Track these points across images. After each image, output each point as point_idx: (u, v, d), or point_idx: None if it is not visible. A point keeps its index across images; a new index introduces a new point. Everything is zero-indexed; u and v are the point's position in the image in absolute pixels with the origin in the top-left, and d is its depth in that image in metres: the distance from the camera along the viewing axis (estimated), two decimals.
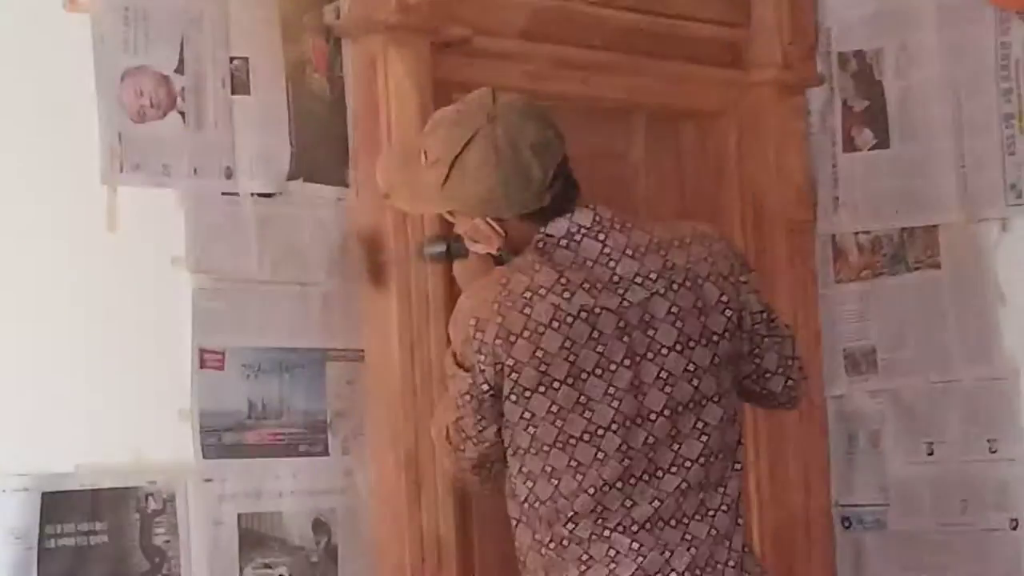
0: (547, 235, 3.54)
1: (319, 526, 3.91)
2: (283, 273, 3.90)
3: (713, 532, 3.59)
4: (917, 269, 4.79)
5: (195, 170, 3.77)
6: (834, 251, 4.89)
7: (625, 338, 3.51)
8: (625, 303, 3.53)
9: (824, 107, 4.90)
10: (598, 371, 3.51)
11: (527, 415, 3.52)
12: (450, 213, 3.65)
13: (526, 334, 3.49)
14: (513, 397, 3.52)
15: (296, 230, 3.93)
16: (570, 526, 3.55)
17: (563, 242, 3.54)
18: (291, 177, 3.93)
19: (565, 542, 3.55)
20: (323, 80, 4.01)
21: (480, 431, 3.57)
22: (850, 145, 4.87)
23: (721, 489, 3.63)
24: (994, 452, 4.67)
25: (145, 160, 3.70)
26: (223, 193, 3.82)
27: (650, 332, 3.53)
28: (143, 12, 3.71)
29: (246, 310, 3.84)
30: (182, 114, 3.76)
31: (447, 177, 3.52)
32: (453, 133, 3.53)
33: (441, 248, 3.85)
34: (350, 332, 3.99)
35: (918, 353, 4.78)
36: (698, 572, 3.57)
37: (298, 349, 3.91)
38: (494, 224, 3.57)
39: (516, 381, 3.50)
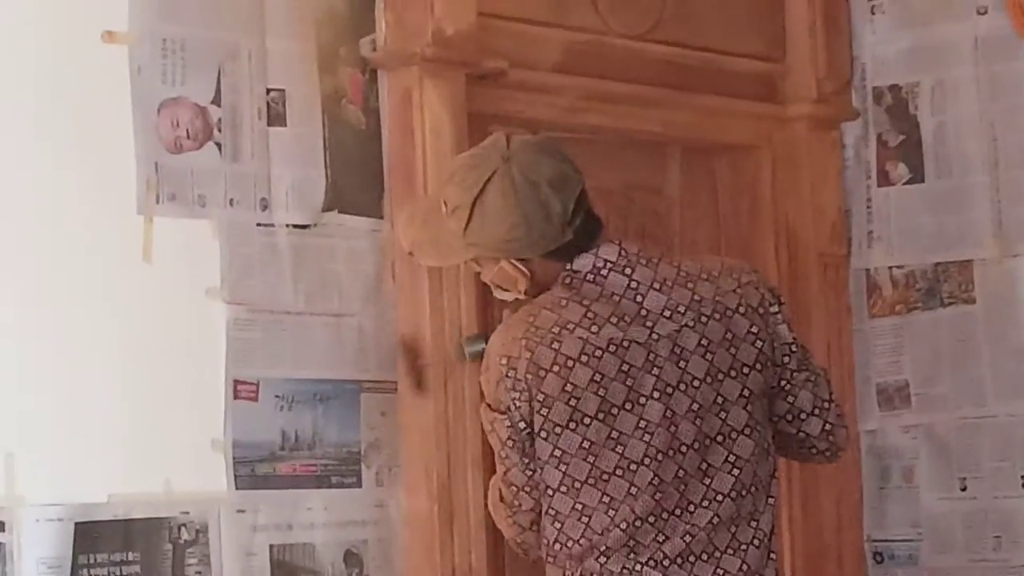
0: (573, 271, 3.52)
1: (351, 558, 3.88)
2: (318, 304, 3.88)
3: (745, 567, 3.55)
4: (951, 304, 4.76)
5: (231, 201, 3.76)
6: (868, 285, 4.87)
7: (655, 371, 3.48)
8: (654, 336, 3.50)
9: (859, 141, 4.87)
10: (628, 405, 3.47)
11: (558, 452, 3.48)
12: (476, 262, 3.61)
13: (556, 368, 3.46)
14: (544, 434, 3.48)
15: (331, 261, 3.91)
16: (602, 559, 3.51)
17: (589, 276, 3.51)
18: (326, 208, 3.91)
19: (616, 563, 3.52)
20: (359, 112, 3.99)
21: (530, 476, 3.53)
22: (885, 179, 4.85)
23: (754, 524, 3.59)
24: None
25: (181, 191, 3.69)
26: (258, 224, 3.81)
27: (681, 364, 3.49)
28: (180, 43, 3.70)
29: (280, 341, 3.82)
30: (218, 145, 3.75)
31: (468, 221, 3.48)
32: (470, 177, 3.50)
33: (481, 346, 3.80)
34: (384, 364, 3.96)
35: (952, 388, 4.75)
36: None
37: (332, 380, 3.90)
38: (519, 265, 3.54)
39: (546, 416, 3.47)
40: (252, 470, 3.76)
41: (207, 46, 3.74)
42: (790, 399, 3.62)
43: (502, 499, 3.60)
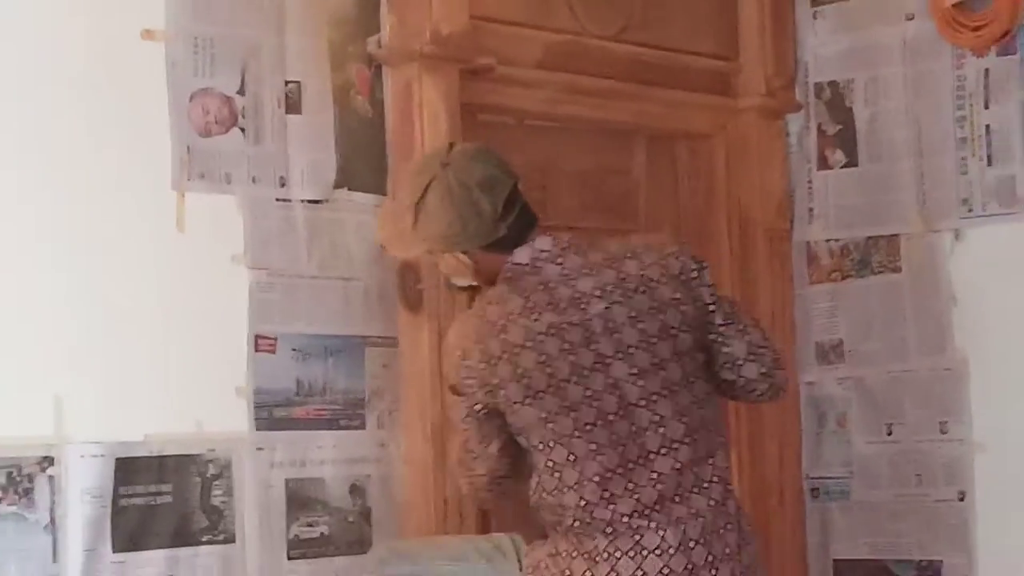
0: (514, 264, 3.56)
1: (356, 490, 3.90)
2: (329, 270, 3.89)
3: (712, 502, 3.56)
4: (880, 273, 4.76)
5: (253, 179, 3.78)
6: (808, 256, 4.87)
7: (593, 346, 3.52)
8: (588, 315, 3.53)
9: (801, 130, 4.88)
10: (574, 378, 3.51)
11: (521, 424, 3.53)
12: (430, 253, 3.68)
13: (505, 355, 3.50)
14: (508, 411, 3.54)
15: (340, 232, 3.92)
16: (585, 512, 3.54)
17: (527, 267, 3.55)
18: (337, 186, 3.93)
19: (579, 524, 3.54)
20: (365, 102, 4.00)
21: (484, 447, 3.59)
22: (824, 164, 4.85)
23: (711, 463, 3.60)
24: (945, 433, 4.65)
25: (210, 170, 3.71)
26: (277, 200, 3.82)
27: (615, 336, 3.53)
28: (210, 41, 3.71)
29: (296, 302, 3.83)
30: (243, 130, 3.76)
31: (415, 220, 3.56)
32: (415, 181, 3.58)
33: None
34: (386, 322, 3.97)
35: (880, 346, 4.76)
36: (708, 538, 3.55)
37: (341, 336, 3.91)
38: (463, 257, 3.59)
39: (506, 397, 3.52)
40: (270, 414, 3.78)
41: (233, 43, 3.76)
42: (725, 349, 3.63)
43: (461, 462, 3.65)
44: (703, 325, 3.60)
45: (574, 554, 3.52)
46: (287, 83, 3.85)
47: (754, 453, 4.71)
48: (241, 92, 3.76)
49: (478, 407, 3.55)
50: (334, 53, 3.94)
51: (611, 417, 3.50)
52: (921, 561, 4.68)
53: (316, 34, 3.90)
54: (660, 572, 3.49)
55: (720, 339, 3.63)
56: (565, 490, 3.53)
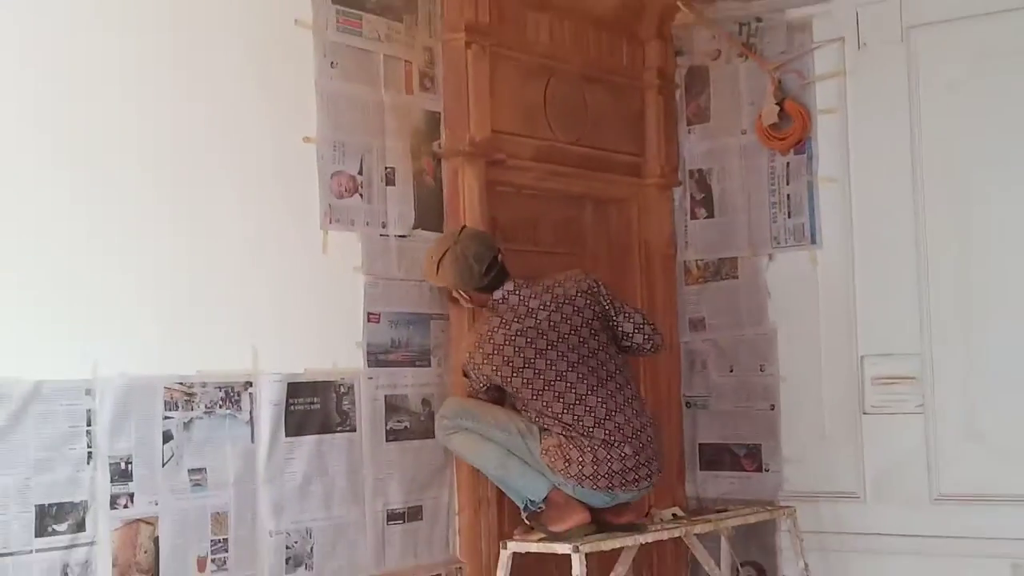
0: (493, 299, 3.69)
1: (425, 402, 3.85)
2: (410, 275, 3.82)
3: (639, 412, 3.71)
4: (727, 279, 4.69)
5: (367, 223, 3.72)
6: (685, 269, 4.79)
7: (543, 337, 3.65)
8: (538, 320, 3.67)
9: (681, 197, 4.81)
10: (538, 356, 3.64)
11: (515, 388, 3.65)
12: (448, 288, 3.77)
13: (495, 353, 3.63)
14: (505, 384, 3.66)
15: (417, 254, 3.85)
16: (570, 422, 3.61)
17: (502, 301, 3.69)
18: (414, 227, 3.86)
19: (569, 428, 3.62)
20: (431, 179, 3.93)
21: (481, 394, 3.74)
22: (694, 216, 4.78)
23: (631, 386, 3.74)
24: (763, 371, 4.59)
25: (342, 218, 3.65)
26: (380, 235, 3.76)
27: (556, 329, 3.67)
28: (343, 144, 3.66)
29: (391, 293, 3.77)
30: (361, 195, 3.71)
31: (437, 271, 3.68)
32: (439, 248, 3.72)
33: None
34: (443, 306, 3.90)
35: (726, 320, 4.69)
36: (646, 428, 3.70)
37: (417, 313, 3.84)
38: (463, 293, 3.72)
39: (502, 376, 3.64)
40: (376, 358, 3.72)
41: (356, 144, 3.70)
42: (619, 329, 3.78)
43: (470, 394, 3.77)
44: (605, 316, 3.71)
45: (570, 445, 3.57)
46: (387, 168, 3.79)
47: (654, 383, 4.65)
48: (360, 173, 3.71)
49: (481, 386, 3.70)
50: (413, 151, 3.88)
51: (566, 372, 3.64)
52: (749, 443, 4.62)
53: (403, 139, 3.85)
54: (621, 453, 3.58)
55: (615, 323, 3.79)
56: (555, 413, 3.60)
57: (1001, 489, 4.14)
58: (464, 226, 3.77)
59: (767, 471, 4.55)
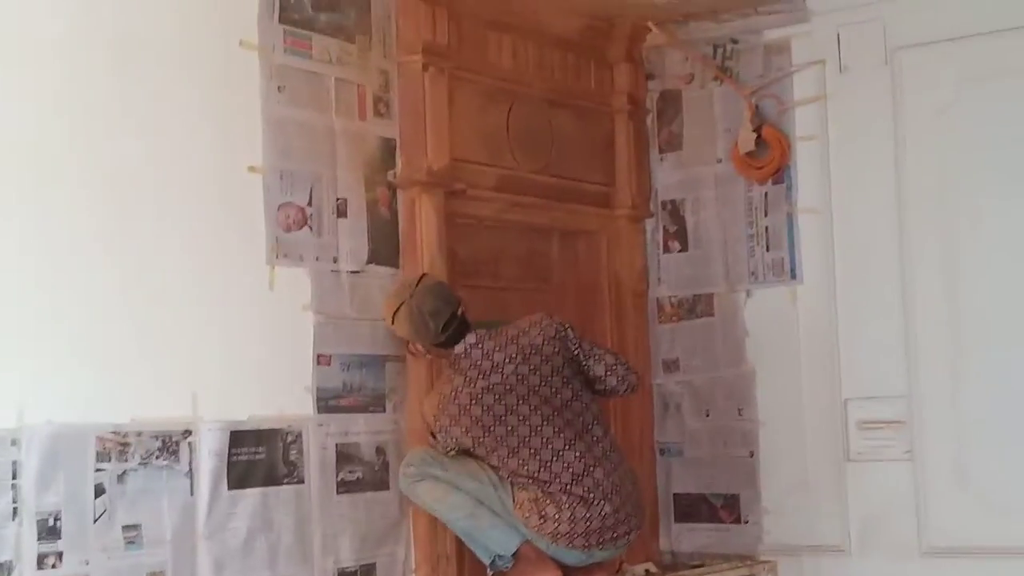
0: (454, 354, 3.66)
1: (379, 450, 3.82)
2: (363, 314, 3.80)
3: (617, 459, 3.72)
4: (702, 317, 4.70)
5: (316, 258, 3.70)
6: (658, 306, 4.79)
7: (513, 392, 3.64)
8: (505, 375, 3.65)
9: (654, 229, 4.81)
10: (510, 412, 3.62)
11: (488, 448, 3.63)
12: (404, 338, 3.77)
13: (462, 414, 3.61)
14: (476, 445, 3.64)
15: (371, 291, 3.83)
16: (545, 479, 3.59)
17: (463, 355, 3.67)
18: (368, 262, 3.84)
19: (545, 485, 3.60)
20: (386, 211, 3.92)
21: (447, 452, 3.70)
22: (667, 249, 4.79)
23: (609, 436, 3.76)
24: (741, 415, 4.60)
25: (290, 252, 3.63)
26: (331, 270, 3.74)
27: (525, 382, 3.66)
28: (291, 174, 3.65)
29: (343, 333, 3.75)
30: (311, 228, 3.69)
31: (392, 323, 3.68)
32: (395, 300, 3.70)
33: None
34: (399, 347, 3.87)
35: (702, 361, 4.69)
36: (625, 482, 3.71)
37: (370, 355, 3.81)
38: (419, 346, 3.74)
39: (473, 436, 3.62)
40: (327, 403, 3.70)
41: (304, 174, 3.69)
42: (591, 373, 3.79)
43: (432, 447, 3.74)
44: (576, 361, 3.71)
45: (547, 500, 3.56)
46: (338, 199, 3.78)
47: (626, 429, 4.63)
48: (309, 204, 3.69)
49: (447, 447, 3.66)
50: (367, 180, 3.86)
51: (540, 427, 3.63)
52: (726, 493, 4.62)
53: (356, 168, 3.83)
54: (601, 511, 3.59)
55: (587, 367, 3.79)
56: (532, 471, 3.61)
57: (993, 541, 4.15)
58: (423, 275, 3.75)
59: (746, 523, 4.55)
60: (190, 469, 3.32)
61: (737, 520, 4.57)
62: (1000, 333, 4.18)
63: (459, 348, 3.67)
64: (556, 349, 3.71)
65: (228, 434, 3.41)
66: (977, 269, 4.22)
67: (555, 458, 3.59)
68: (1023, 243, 4.14)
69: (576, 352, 3.75)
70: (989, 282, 4.20)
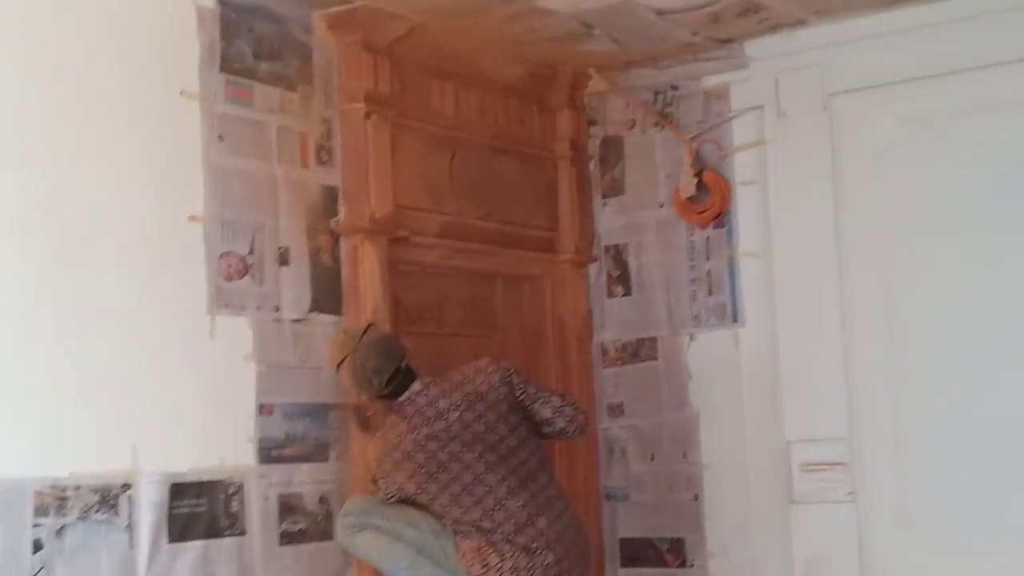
0: (399, 402, 3.63)
1: (323, 500, 3.81)
2: (306, 362, 3.80)
3: (561, 507, 3.69)
4: (646, 360, 4.71)
5: (258, 307, 3.70)
6: (602, 351, 4.81)
7: (457, 439, 3.60)
8: (450, 422, 3.61)
9: (597, 274, 4.84)
10: (453, 460, 3.59)
11: (431, 495, 3.59)
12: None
13: (405, 460, 3.58)
14: (419, 492, 3.60)
15: (313, 339, 3.83)
16: (487, 527, 3.57)
17: (408, 403, 3.64)
18: (311, 310, 3.84)
19: (488, 534, 3.58)
20: (329, 259, 3.92)
21: (388, 499, 3.65)
22: (611, 294, 4.80)
23: (553, 484, 3.73)
24: (685, 458, 4.60)
25: (231, 301, 3.63)
26: (273, 319, 3.74)
27: (471, 430, 3.62)
28: (232, 222, 3.65)
29: (285, 382, 3.74)
30: (252, 276, 3.69)
31: (337, 374, 3.67)
32: (338, 352, 3.67)
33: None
34: (342, 395, 3.86)
35: (646, 405, 4.70)
36: (568, 531, 3.67)
37: (313, 404, 3.81)
38: (363, 397, 3.73)
39: (416, 483, 3.59)
40: (269, 453, 3.68)
41: (246, 222, 3.69)
42: (537, 417, 3.77)
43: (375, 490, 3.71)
44: (522, 407, 3.70)
45: (490, 549, 3.54)
46: (280, 247, 3.78)
47: (570, 473, 4.63)
48: (251, 253, 3.69)
49: (390, 496, 3.63)
50: (309, 228, 3.87)
51: (484, 475, 3.60)
52: (672, 537, 4.62)
53: (298, 217, 3.84)
54: (544, 561, 3.58)
55: (533, 411, 3.76)
56: (474, 519, 3.58)
57: None
58: (369, 326, 3.73)
59: (692, 566, 4.56)
60: (130, 523, 3.29)
61: (683, 564, 4.58)
62: (939, 374, 4.22)
63: (403, 397, 3.65)
64: (501, 395, 3.69)
65: (168, 486, 3.38)
66: (916, 311, 4.27)
67: (498, 506, 3.57)
68: (961, 284, 4.20)
69: (521, 396, 3.73)
70: (928, 323, 4.25)
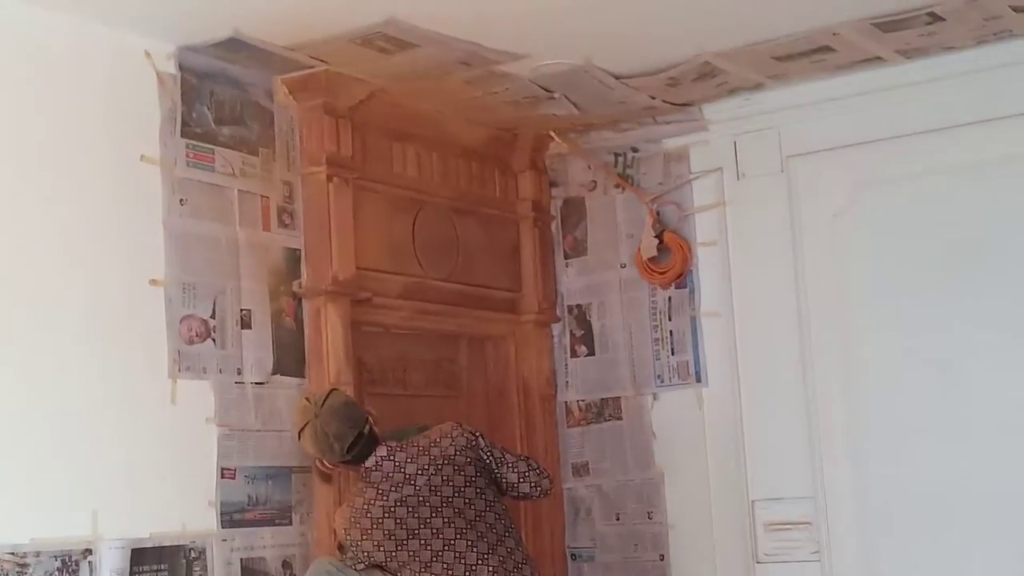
0: (365, 467, 3.63)
1: (286, 564, 3.78)
2: (268, 425, 3.79)
3: (531, 571, 3.69)
4: (610, 420, 4.71)
5: (220, 370, 3.69)
6: (566, 410, 4.81)
7: (427, 503, 3.60)
8: (418, 487, 3.62)
9: (560, 334, 4.85)
10: (423, 525, 3.59)
11: (400, 562, 3.57)
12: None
13: (372, 527, 3.58)
14: (388, 559, 3.58)
15: (276, 402, 3.82)
16: None
17: (374, 468, 3.63)
18: (273, 373, 3.84)
19: None
20: (292, 321, 3.92)
21: (356, 566, 3.63)
22: (574, 354, 4.82)
23: (521, 548, 3.73)
24: (651, 518, 4.60)
25: (193, 365, 3.62)
26: (236, 382, 3.73)
27: (438, 494, 3.63)
28: (193, 286, 3.65)
29: (247, 446, 3.73)
30: (214, 340, 3.69)
31: (299, 440, 3.64)
32: (300, 418, 3.65)
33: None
34: (305, 459, 3.84)
35: (611, 464, 4.70)
36: None
37: (276, 467, 3.79)
38: (326, 463, 3.73)
39: (385, 550, 3.57)
40: (231, 517, 3.66)
41: (208, 287, 3.69)
42: (504, 481, 3.77)
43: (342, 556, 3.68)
44: (488, 470, 3.70)
45: None
46: (242, 310, 3.78)
47: (536, 533, 4.62)
48: (213, 316, 3.69)
49: (359, 564, 3.61)
50: (272, 291, 3.87)
51: (454, 541, 3.60)
52: None
53: (260, 280, 3.84)
54: None
55: (499, 475, 3.76)
56: None
57: None
58: (331, 391, 3.72)
59: None
60: None
61: None
62: (902, 430, 4.25)
63: (370, 462, 3.64)
64: (468, 459, 3.69)
65: (129, 552, 3.36)
66: (877, 366, 4.30)
67: (468, 572, 3.56)
68: (921, 339, 4.24)
69: (488, 460, 3.74)
70: (889, 382, 4.28)
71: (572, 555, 4.74)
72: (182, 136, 3.65)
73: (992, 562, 4.08)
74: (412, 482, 3.61)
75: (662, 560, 4.56)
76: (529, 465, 3.82)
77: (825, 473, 4.34)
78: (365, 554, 3.58)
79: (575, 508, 4.74)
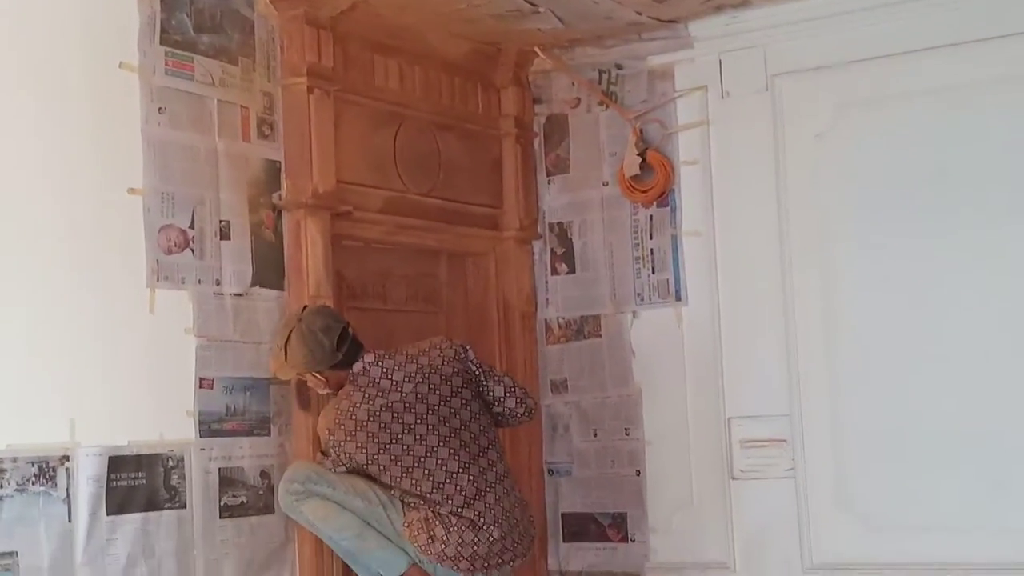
0: (352, 373, 3.64)
1: (264, 474, 3.81)
2: (246, 336, 3.79)
3: (509, 485, 3.75)
4: (590, 338, 4.74)
5: (199, 280, 3.69)
6: (546, 328, 4.83)
7: (412, 410, 3.63)
8: (404, 393, 3.64)
9: (541, 251, 4.86)
10: (406, 430, 3.62)
11: (382, 466, 3.61)
12: (300, 375, 3.72)
13: (358, 430, 3.59)
14: (370, 462, 3.60)
15: (255, 313, 3.83)
16: (436, 499, 3.60)
17: (362, 373, 3.65)
18: (252, 284, 3.84)
19: (435, 505, 3.61)
20: (271, 233, 3.91)
21: (337, 469, 3.66)
22: (555, 271, 4.83)
23: (503, 461, 3.78)
24: (628, 434, 4.64)
25: (171, 275, 3.62)
26: (214, 293, 3.73)
27: (424, 401, 3.66)
28: (172, 195, 3.63)
29: (226, 356, 3.74)
30: (192, 250, 3.68)
31: (285, 355, 3.63)
32: (283, 331, 3.68)
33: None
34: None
35: (589, 381, 4.73)
36: (515, 508, 3.73)
37: (254, 377, 3.80)
38: (318, 376, 3.68)
39: (367, 452, 3.60)
40: (209, 427, 3.68)
41: (186, 196, 3.68)
42: (490, 394, 3.77)
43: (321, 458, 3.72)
44: (475, 382, 3.72)
45: (436, 521, 3.56)
46: (221, 221, 3.77)
47: (515, 449, 4.63)
48: (192, 227, 3.68)
49: (340, 468, 3.64)
50: (251, 203, 3.86)
51: (436, 447, 3.65)
52: (614, 512, 4.67)
53: (240, 191, 3.83)
54: (489, 536, 3.60)
55: (486, 388, 3.78)
56: (424, 491, 3.62)
57: (875, 557, 4.24)
58: (305, 306, 3.74)
59: (633, 541, 4.60)
60: (68, 495, 3.28)
61: (624, 539, 4.62)
62: (879, 352, 4.28)
63: (357, 366, 3.66)
64: (455, 370, 3.72)
65: (107, 459, 3.38)
66: (856, 289, 4.33)
67: (448, 480, 3.60)
68: (900, 263, 4.26)
69: (476, 372, 3.77)
70: (868, 303, 4.31)
71: (549, 470, 4.79)
72: (161, 44, 3.62)
73: (960, 486, 4.12)
74: (399, 388, 3.64)
75: (638, 475, 4.61)
76: (514, 382, 3.88)
77: (802, 392, 4.37)
78: (347, 456, 3.60)
79: (553, 424, 4.78)
